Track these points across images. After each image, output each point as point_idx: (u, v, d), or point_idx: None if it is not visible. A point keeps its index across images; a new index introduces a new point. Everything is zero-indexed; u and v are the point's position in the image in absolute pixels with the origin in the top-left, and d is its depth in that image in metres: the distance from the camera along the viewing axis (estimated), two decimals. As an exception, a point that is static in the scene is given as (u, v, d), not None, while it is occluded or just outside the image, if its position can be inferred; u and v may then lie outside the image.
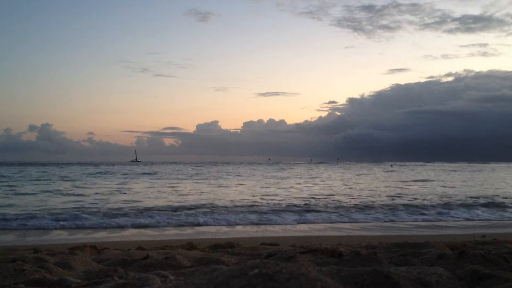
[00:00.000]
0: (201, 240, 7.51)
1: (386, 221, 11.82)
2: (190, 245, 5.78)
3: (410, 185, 27.02)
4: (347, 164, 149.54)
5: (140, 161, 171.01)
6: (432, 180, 33.26)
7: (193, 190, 22.97)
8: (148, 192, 21.49)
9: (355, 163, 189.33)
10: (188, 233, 9.86)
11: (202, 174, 46.60)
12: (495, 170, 63.31)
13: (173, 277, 2.77)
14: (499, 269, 2.70)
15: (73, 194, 19.66)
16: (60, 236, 9.35)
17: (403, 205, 15.02)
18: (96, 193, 20.46)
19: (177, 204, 15.03)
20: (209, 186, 26.02)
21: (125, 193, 20.46)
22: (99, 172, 48.54)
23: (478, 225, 11.08)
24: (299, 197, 18.19)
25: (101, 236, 9.35)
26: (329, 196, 18.62)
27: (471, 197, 18.10)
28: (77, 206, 14.53)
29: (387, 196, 18.86)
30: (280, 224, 11.21)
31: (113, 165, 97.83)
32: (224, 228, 10.54)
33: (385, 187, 25.40)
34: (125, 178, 36.38)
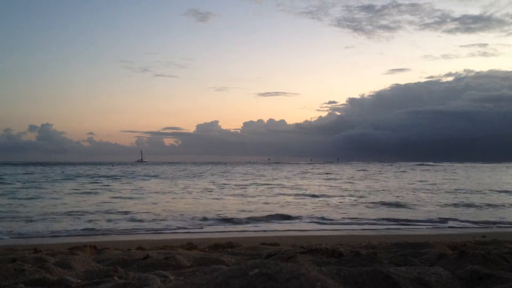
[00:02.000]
0: (201, 240, 7.51)
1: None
2: (190, 245, 5.78)
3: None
4: (353, 164, 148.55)
5: (146, 161, 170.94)
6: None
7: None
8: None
9: (356, 162, 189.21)
10: (189, 232, 9.87)
11: (241, 175, 44.45)
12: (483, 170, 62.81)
13: (173, 277, 2.77)
14: (499, 269, 2.70)
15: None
16: (60, 236, 9.36)
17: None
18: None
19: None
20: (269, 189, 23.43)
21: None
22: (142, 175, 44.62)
23: (478, 226, 11.07)
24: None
25: (101, 236, 9.35)
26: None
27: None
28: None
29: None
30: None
31: (113, 165, 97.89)
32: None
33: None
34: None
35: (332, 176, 41.17)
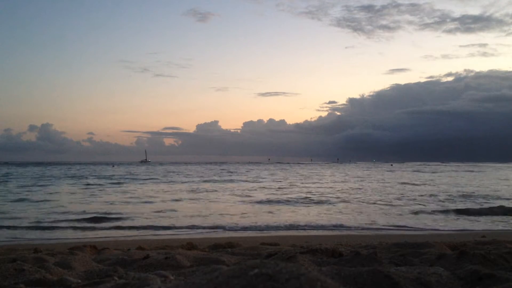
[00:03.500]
0: (201, 240, 7.51)
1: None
2: (190, 245, 5.78)
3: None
4: (358, 164, 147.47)
5: (150, 161, 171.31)
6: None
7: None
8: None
9: (360, 162, 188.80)
10: (187, 232, 9.87)
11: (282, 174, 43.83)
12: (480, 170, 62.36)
13: (173, 277, 2.77)
14: (499, 269, 2.70)
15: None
16: (60, 236, 9.36)
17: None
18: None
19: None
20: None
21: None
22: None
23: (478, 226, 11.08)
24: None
25: (101, 236, 9.35)
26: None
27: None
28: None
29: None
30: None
31: (113, 166, 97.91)
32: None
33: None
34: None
35: (371, 175, 40.86)
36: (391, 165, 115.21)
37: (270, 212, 13.96)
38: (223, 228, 10.59)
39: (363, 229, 10.46)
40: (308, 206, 15.76)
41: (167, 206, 15.54)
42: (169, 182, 31.92)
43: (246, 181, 33.27)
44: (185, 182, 32.01)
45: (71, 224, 11.23)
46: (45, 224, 11.13)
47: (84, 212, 13.26)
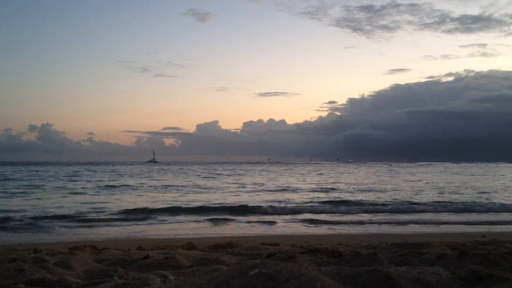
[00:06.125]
0: (201, 240, 7.51)
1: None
2: (190, 245, 5.78)
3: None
4: (365, 164, 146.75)
5: (158, 162, 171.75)
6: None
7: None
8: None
9: (367, 162, 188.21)
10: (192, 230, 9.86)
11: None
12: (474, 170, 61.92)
13: (173, 277, 2.77)
14: (499, 269, 2.69)
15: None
16: (60, 236, 9.36)
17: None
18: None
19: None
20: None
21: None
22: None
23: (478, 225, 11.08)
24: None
25: (101, 236, 9.36)
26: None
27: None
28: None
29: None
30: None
31: (113, 165, 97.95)
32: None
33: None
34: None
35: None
36: (390, 165, 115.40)
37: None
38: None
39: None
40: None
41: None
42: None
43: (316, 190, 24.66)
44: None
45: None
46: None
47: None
